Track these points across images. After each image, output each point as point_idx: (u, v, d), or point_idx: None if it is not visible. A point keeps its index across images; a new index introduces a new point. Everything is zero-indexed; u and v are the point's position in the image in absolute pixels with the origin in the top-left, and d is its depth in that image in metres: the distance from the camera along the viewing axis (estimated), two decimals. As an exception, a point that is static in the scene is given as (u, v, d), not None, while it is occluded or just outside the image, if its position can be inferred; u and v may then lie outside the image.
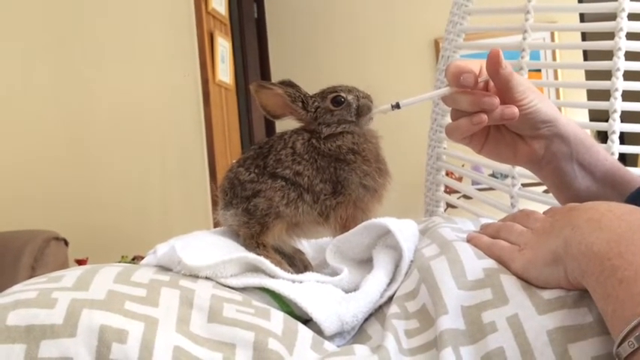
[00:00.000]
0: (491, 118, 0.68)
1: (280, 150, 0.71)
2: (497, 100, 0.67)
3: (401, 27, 3.85)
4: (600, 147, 0.77)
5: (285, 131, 0.74)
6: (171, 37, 2.86)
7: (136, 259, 2.36)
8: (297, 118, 0.75)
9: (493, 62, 0.66)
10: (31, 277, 1.19)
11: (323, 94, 0.75)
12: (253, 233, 0.70)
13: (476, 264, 0.56)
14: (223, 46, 3.03)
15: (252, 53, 3.69)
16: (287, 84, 0.76)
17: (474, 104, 0.68)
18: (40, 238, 2.06)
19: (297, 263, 0.74)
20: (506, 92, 0.68)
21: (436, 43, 3.77)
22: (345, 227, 0.70)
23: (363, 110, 0.74)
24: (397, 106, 0.72)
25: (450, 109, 0.73)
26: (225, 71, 3.02)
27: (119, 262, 1.86)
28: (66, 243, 2.18)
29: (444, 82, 0.74)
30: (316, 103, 0.74)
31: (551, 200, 0.92)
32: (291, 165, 0.70)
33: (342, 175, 0.71)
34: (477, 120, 0.68)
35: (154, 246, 0.66)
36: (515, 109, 0.68)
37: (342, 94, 0.74)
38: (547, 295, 0.50)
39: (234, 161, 0.74)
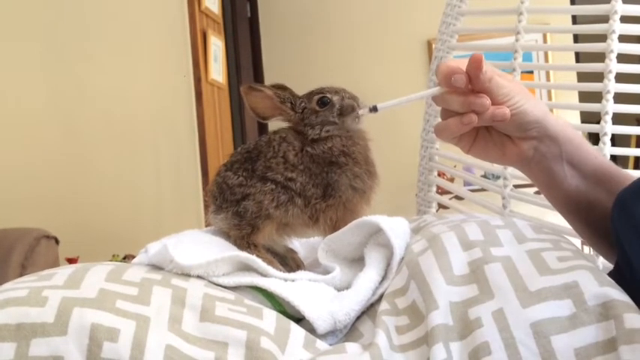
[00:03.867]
0: (482, 119, 0.68)
1: (270, 158, 0.71)
2: (488, 102, 0.67)
3: (394, 27, 3.85)
4: (589, 145, 0.77)
5: (271, 136, 0.74)
6: (164, 36, 2.85)
7: (127, 258, 2.35)
8: (285, 118, 0.75)
9: (474, 67, 0.66)
10: (21, 275, 1.18)
11: (310, 95, 0.75)
12: (244, 234, 0.69)
13: (461, 256, 0.57)
14: (216, 45, 3.02)
15: (245, 52, 3.68)
16: (278, 87, 0.76)
17: (465, 105, 0.68)
18: (30, 236, 2.04)
19: (289, 262, 0.74)
20: (488, 95, 0.68)
21: (429, 44, 3.78)
22: (334, 229, 0.70)
23: (346, 110, 0.74)
24: (374, 108, 0.71)
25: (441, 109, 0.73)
26: (217, 70, 3.01)
27: (110, 261, 1.85)
28: (57, 241, 2.16)
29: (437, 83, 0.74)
30: (303, 104, 0.74)
31: (543, 202, 0.92)
32: (283, 172, 0.70)
33: (332, 178, 0.71)
34: (467, 120, 0.68)
35: (146, 245, 0.66)
36: (506, 111, 0.68)
37: (328, 95, 0.74)
38: (532, 287, 0.51)
39: (222, 165, 0.74)
